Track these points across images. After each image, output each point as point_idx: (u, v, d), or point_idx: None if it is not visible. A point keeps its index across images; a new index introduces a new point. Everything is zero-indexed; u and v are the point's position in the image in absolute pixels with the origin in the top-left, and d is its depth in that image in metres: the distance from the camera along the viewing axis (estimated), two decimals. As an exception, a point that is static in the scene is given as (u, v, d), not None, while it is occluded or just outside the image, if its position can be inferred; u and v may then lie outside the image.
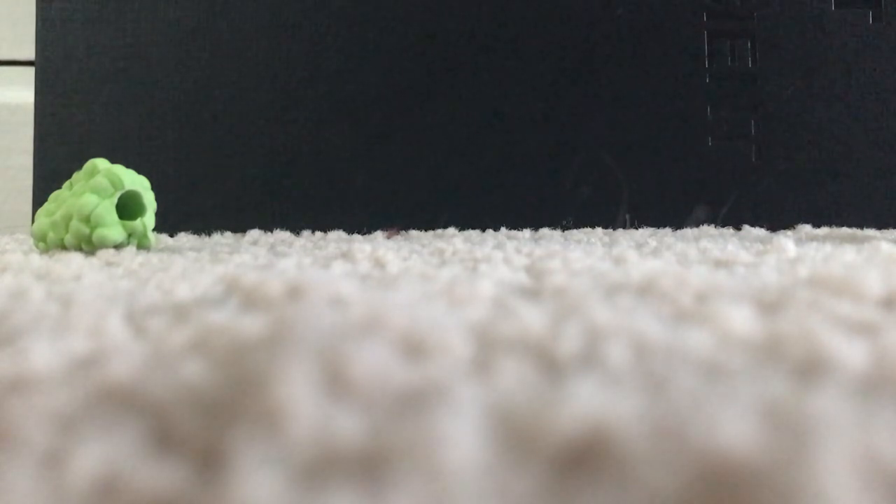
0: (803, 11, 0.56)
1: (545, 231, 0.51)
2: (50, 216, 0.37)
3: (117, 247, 0.36)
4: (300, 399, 0.10)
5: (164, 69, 0.55)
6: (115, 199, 0.36)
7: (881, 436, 0.08)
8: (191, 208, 0.54)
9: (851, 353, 0.12)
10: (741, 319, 0.15)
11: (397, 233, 0.51)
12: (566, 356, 0.13)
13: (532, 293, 0.19)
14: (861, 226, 0.53)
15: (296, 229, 0.51)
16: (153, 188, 0.38)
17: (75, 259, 0.30)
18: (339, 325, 0.14)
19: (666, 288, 0.19)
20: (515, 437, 0.09)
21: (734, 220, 0.54)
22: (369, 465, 0.09)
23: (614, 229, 0.52)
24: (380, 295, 0.18)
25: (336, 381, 0.11)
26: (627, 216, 0.54)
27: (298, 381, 0.10)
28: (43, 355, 0.13)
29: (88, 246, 0.35)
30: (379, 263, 0.28)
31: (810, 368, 0.12)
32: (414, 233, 0.50)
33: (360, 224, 0.53)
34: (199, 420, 0.10)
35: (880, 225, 0.54)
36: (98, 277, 0.25)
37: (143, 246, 0.37)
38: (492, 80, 0.55)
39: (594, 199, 0.55)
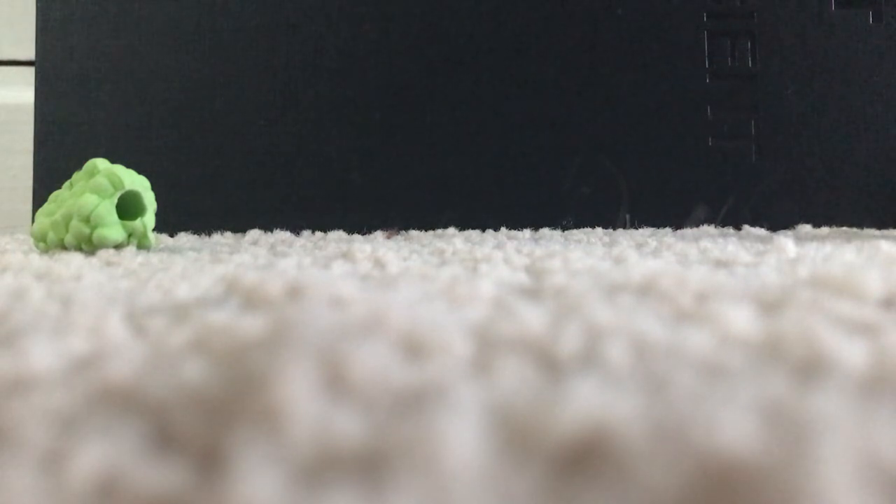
0: (803, 11, 0.56)
1: (545, 231, 0.51)
2: (50, 216, 0.36)
3: (117, 247, 0.36)
4: (300, 399, 0.10)
5: (164, 69, 0.55)
6: (115, 199, 0.36)
7: (881, 436, 0.08)
8: (191, 208, 0.54)
9: (851, 353, 0.12)
10: (741, 319, 0.15)
11: (397, 233, 0.51)
12: (566, 356, 0.13)
13: (532, 293, 0.19)
14: (861, 226, 0.53)
15: (296, 229, 0.51)
16: (153, 188, 0.38)
17: (75, 259, 0.30)
18: (339, 325, 0.14)
19: (666, 288, 0.19)
20: (515, 437, 0.09)
21: (734, 220, 0.54)
22: (369, 465, 0.09)
23: (614, 229, 0.52)
24: (380, 295, 0.18)
25: (336, 381, 0.11)
26: (627, 216, 0.54)
27: (298, 381, 0.10)
28: (43, 355, 0.13)
29: (88, 246, 0.35)
30: (379, 263, 0.28)
31: (810, 368, 0.12)
32: (414, 233, 0.50)
33: (360, 224, 0.53)
34: (199, 420, 0.10)
35: (880, 225, 0.54)
36: (98, 277, 0.25)
37: (143, 246, 0.37)
38: (492, 79, 0.55)
39: (594, 199, 0.55)
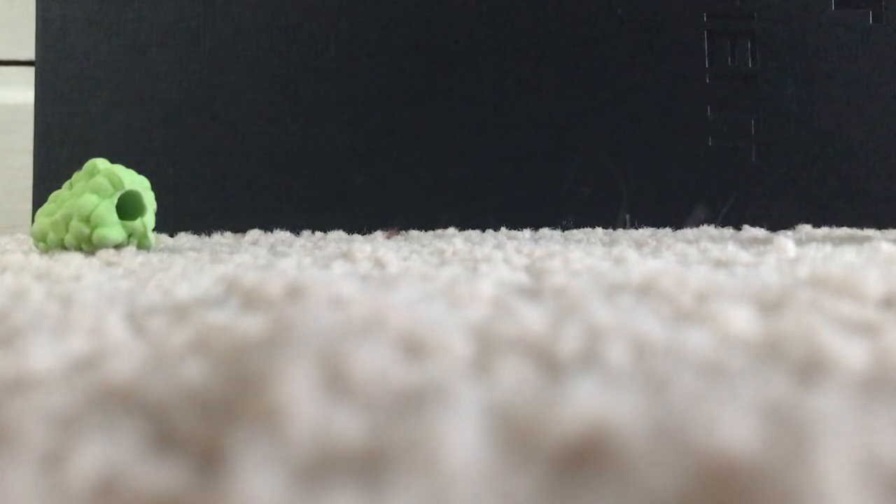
0: (803, 11, 0.56)
1: (545, 231, 0.51)
2: (50, 216, 0.36)
3: (117, 247, 0.36)
4: (300, 399, 0.10)
5: (164, 69, 0.55)
6: (115, 199, 0.36)
7: (881, 436, 0.08)
8: (191, 208, 0.54)
9: (851, 353, 0.12)
10: (741, 319, 0.15)
11: (397, 233, 0.51)
12: (566, 356, 0.13)
13: (532, 293, 0.19)
14: (861, 226, 0.53)
15: (296, 229, 0.51)
16: (153, 188, 0.38)
17: (75, 259, 0.30)
18: (339, 325, 0.14)
19: (666, 288, 0.19)
20: (515, 437, 0.09)
21: (734, 220, 0.54)
22: (369, 464, 0.09)
23: (614, 229, 0.52)
24: (380, 295, 0.18)
25: (336, 381, 0.11)
26: (627, 216, 0.54)
27: (298, 381, 0.10)
28: (43, 355, 0.13)
29: (88, 246, 0.35)
30: (379, 263, 0.28)
31: (810, 368, 0.12)
32: (414, 233, 0.50)
33: (360, 224, 0.53)
34: (199, 420, 0.10)
35: (880, 225, 0.54)
36: (98, 277, 0.25)
37: (143, 246, 0.37)
38: (492, 80, 0.55)
39: (594, 199, 0.55)
